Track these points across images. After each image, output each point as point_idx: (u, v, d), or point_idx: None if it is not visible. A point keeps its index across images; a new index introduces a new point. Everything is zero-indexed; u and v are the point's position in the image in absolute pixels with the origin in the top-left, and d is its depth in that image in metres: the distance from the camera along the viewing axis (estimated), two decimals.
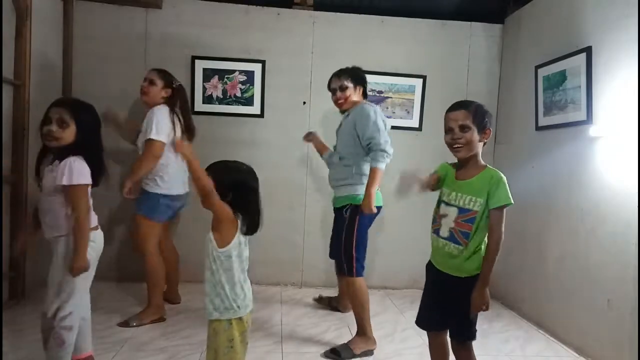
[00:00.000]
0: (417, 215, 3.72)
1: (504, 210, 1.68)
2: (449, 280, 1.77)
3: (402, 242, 3.69)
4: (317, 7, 3.62)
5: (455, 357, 1.85)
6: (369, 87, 3.58)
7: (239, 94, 3.54)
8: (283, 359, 2.40)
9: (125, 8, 3.42)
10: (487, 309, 1.70)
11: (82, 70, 3.39)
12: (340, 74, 2.78)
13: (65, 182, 1.78)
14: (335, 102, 2.78)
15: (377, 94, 3.65)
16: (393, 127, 3.63)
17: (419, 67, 3.66)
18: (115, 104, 3.41)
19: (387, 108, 3.65)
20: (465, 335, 1.80)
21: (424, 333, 2.78)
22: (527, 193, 3.24)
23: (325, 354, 2.46)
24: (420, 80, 3.65)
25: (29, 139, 2.86)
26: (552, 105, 2.96)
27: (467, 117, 1.70)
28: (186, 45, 3.47)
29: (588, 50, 2.63)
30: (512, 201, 1.67)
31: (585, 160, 2.65)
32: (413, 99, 3.67)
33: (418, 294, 3.66)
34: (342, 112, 2.82)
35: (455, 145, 1.74)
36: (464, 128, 1.71)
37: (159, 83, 2.78)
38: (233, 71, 3.52)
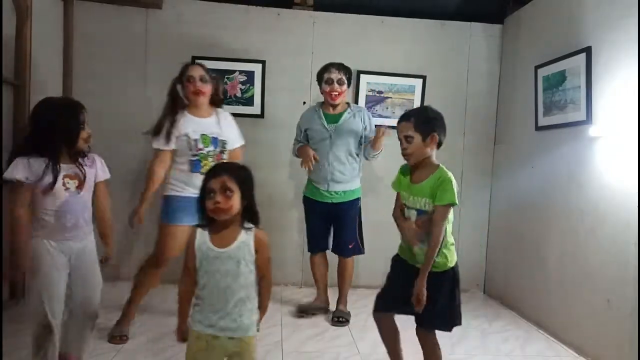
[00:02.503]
0: None
1: (449, 208, 1.81)
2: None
3: None
4: (317, 7, 3.62)
5: (421, 344, 1.98)
6: (368, 87, 3.65)
7: (239, 94, 3.55)
8: (283, 359, 2.40)
9: (125, 8, 3.42)
10: (419, 300, 1.80)
11: (82, 70, 3.38)
12: (341, 68, 2.88)
13: (108, 176, 1.99)
14: (330, 92, 2.87)
15: (377, 94, 3.65)
16: (393, 127, 3.63)
17: (418, 67, 3.66)
18: (116, 104, 3.43)
19: (387, 108, 3.65)
20: (432, 325, 1.91)
21: None
22: (526, 193, 3.25)
23: (334, 323, 2.88)
24: (420, 81, 3.65)
25: None
26: (552, 105, 2.96)
27: (409, 127, 1.86)
28: (186, 45, 3.47)
29: (588, 51, 2.63)
30: (457, 202, 1.79)
31: (584, 160, 2.66)
32: (413, 99, 3.67)
33: None
34: (332, 105, 2.93)
35: (405, 156, 1.91)
36: (407, 138, 1.86)
37: (209, 79, 2.56)
38: (233, 71, 3.52)
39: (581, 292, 2.63)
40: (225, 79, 3.52)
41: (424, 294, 1.80)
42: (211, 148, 2.54)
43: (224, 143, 2.59)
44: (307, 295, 3.43)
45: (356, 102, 3.62)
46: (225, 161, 1.62)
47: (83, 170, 1.90)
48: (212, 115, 2.62)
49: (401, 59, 3.65)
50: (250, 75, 3.53)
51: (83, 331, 2.01)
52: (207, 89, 2.55)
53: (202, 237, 1.54)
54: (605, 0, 2.57)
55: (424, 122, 1.86)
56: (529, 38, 3.34)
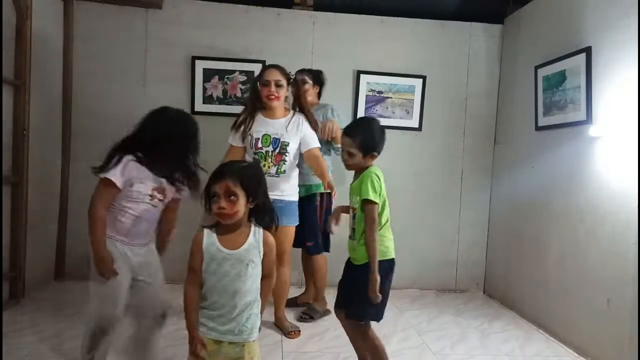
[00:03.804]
0: (416, 216, 3.72)
1: (371, 205, 1.89)
2: (352, 267, 2.04)
3: (402, 242, 3.68)
4: (317, 7, 3.62)
5: (345, 332, 2.10)
6: (368, 87, 3.65)
7: (239, 94, 3.54)
8: (283, 359, 2.40)
9: (125, 8, 3.42)
10: (374, 293, 1.86)
11: (82, 70, 3.39)
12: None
13: (186, 195, 1.95)
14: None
15: (377, 94, 3.65)
16: (393, 127, 3.66)
17: (418, 67, 3.66)
18: (116, 104, 3.43)
19: (387, 108, 3.65)
20: (352, 313, 2.00)
21: (424, 333, 2.82)
22: (526, 193, 3.25)
23: (301, 318, 2.93)
24: (420, 81, 3.65)
25: (29, 139, 2.86)
26: (552, 105, 2.96)
27: (352, 145, 1.96)
28: (186, 45, 3.47)
29: (588, 51, 2.63)
30: (371, 199, 1.87)
31: (584, 160, 2.66)
32: (413, 99, 3.67)
33: (418, 293, 3.70)
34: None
35: (346, 166, 2.04)
36: (350, 154, 1.97)
37: (284, 83, 2.55)
38: (233, 71, 3.52)
39: (581, 292, 2.63)
40: (225, 79, 3.53)
41: (373, 283, 1.87)
42: (270, 148, 2.56)
43: (284, 145, 2.57)
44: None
45: (356, 102, 3.62)
46: (231, 161, 1.62)
47: (169, 186, 1.88)
48: (285, 117, 2.62)
49: (401, 59, 3.65)
50: (250, 75, 3.52)
51: (155, 332, 1.96)
52: (282, 93, 2.57)
53: (210, 238, 1.50)
54: (605, 0, 2.57)
55: (366, 141, 1.99)
56: (529, 38, 3.34)
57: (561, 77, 2.87)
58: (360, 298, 1.92)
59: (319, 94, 3.14)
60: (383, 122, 3.53)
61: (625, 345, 2.29)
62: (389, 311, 3.18)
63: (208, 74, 3.51)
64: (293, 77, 2.66)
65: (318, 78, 3.10)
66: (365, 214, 1.90)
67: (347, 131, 2.01)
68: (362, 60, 3.62)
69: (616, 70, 2.46)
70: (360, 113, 3.62)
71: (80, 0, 3.36)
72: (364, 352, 2.08)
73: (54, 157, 3.33)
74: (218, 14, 3.51)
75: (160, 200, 1.87)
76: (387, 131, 3.83)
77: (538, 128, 3.11)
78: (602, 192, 2.52)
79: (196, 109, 3.49)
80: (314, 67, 3.57)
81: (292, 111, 2.67)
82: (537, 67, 3.10)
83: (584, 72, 2.65)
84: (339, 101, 3.61)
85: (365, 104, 3.63)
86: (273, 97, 2.53)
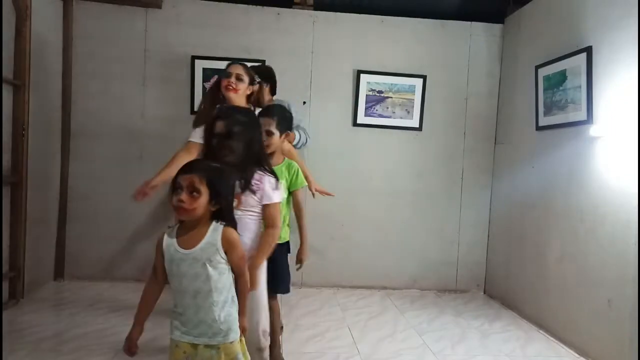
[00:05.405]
0: (417, 216, 3.72)
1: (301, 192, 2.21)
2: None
3: (402, 242, 3.69)
4: (317, 7, 3.62)
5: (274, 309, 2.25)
6: (368, 87, 3.65)
7: None
8: (283, 359, 2.39)
9: (125, 8, 3.42)
10: (302, 261, 2.24)
11: (82, 70, 3.38)
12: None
13: (274, 200, 1.90)
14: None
15: (377, 94, 3.64)
16: (393, 127, 3.67)
17: (419, 67, 3.66)
18: (115, 104, 3.43)
19: (387, 108, 3.65)
20: (285, 288, 2.23)
21: (425, 333, 2.81)
22: (527, 193, 3.25)
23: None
24: (421, 80, 3.64)
25: (28, 139, 2.86)
26: (553, 105, 2.96)
27: (271, 123, 2.06)
28: (186, 45, 3.47)
29: (588, 50, 2.63)
30: (306, 183, 2.23)
31: (585, 160, 2.65)
32: (413, 99, 3.66)
33: (418, 294, 3.69)
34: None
35: (266, 146, 2.08)
36: (269, 133, 2.05)
37: (246, 79, 2.57)
38: None
39: (581, 292, 2.62)
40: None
41: (299, 256, 2.24)
42: None
43: None
44: (306, 295, 3.43)
45: (356, 101, 3.62)
46: (205, 160, 1.55)
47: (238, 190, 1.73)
48: None
49: (401, 59, 3.65)
50: None
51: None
52: (241, 87, 2.55)
53: (170, 238, 1.45)
54: (605, 0, 2.57)
55: (284, 121, 2.16)
56: (530, 38, 3.33)
57: (562, 76, 2.86)
58: (287, 272, 2.21)
59: (273, 90, 2.98)
60: (383, 122, 3.63)
61: (626, 346, 2.28)
62: (389, 311, 3.21)
63: (208, 74, 3.50)
64: (258, 81, 2.65)
65: (269, 75, 2.92)
66: (297, 199, 2.20)
67: (264, 112, 2.17)
68: (362, 60, 3.61)
69: (617, 70, 2.45)
70: (361, 113, 3.62)
71: (80, 0, 3.36)
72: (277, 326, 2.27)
73: (53, 157, 3.33)
74: (218, 13, 3.51)
75: (238, 206, 1.70)
76: (388, 131, 3.88)
77: (538, 128, 3.11)
78: (602, 192, 2.51)
79: (196, 109, 3.49)
80: (314, 67, 3.59)
81: (251, 106, 2.65)
82: (537, 67, 3.09)
83: (585, 71, 2.64)
84: (339, 101, 3.62)
85: (366, 104, 3.63)
86: (231, 87, 2.51)
